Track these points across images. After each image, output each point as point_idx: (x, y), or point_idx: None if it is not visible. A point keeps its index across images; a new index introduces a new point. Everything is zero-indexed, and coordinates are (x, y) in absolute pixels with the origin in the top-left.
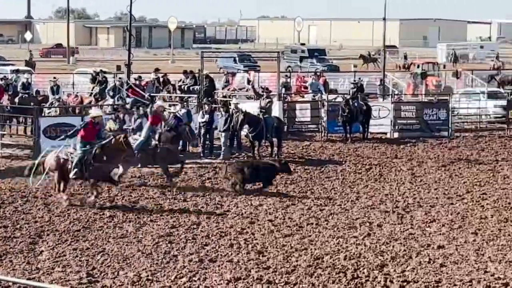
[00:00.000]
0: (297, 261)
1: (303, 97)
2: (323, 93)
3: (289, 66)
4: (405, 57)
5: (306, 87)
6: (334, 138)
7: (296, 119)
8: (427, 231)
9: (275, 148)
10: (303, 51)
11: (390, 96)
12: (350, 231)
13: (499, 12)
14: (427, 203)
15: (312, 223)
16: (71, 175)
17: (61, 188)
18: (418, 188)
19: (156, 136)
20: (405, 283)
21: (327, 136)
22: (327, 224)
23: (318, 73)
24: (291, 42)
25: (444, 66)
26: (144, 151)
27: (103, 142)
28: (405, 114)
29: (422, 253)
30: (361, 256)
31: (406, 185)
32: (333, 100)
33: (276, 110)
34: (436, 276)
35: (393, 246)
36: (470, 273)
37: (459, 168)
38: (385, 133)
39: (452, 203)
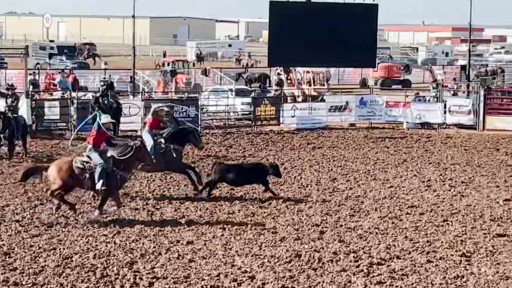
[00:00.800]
0: (45, 261)
1: (51, 94)
2: (72, 90)
3: (38, 63)
4: (164, 55)
5: (55, 85)
6: (84, 136)
7: (45, 117)
8: (177, 227)
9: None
10: (52, 48)
11: (141, 93)
12: (100, 229)
13: (246, 12)
14: (176, 199)
15: (61, 223)
16: (98, 187)
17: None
18: (167, 185)
19: (162, 140)
20: (154, 280)
21: (77, 134)
22: (76, 223)
23: (67, 71)
24: (40, 39)
25: (194, 64)
26: (157, 155)
27: (125, 151)
28: None
29: (172, 249)
30: (111, 254)
31: (156, 182)
32: (82, 98)
33: (24, 108)
34: (185, 272)
35: (142, 243)
36: (218, 267)
37: (208, 164)
38: (136, 131)
39: (201, 199)
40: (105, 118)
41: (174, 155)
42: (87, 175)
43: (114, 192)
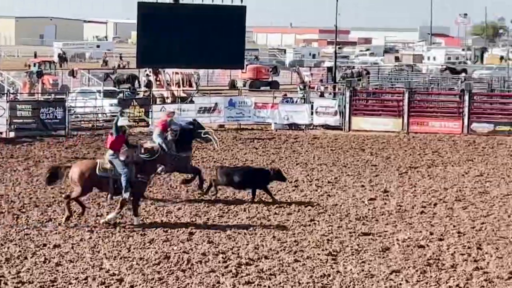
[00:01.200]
0: None
1: None
2: None
3: None
4: (35, 56)
5: None
6: None
7: None
8: (43, 230)
9: None
10: None
11: (6, 95)
12: None
13: (114, 12)
14: (43, 202)
15: None
16: (125, 196)
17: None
18: (34, 188)
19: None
20: (20, 284)
21: None
22: None
23: None
24: None
25: (61, 65)
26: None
27: (156, 155)
28: (21, 113)
29: (38, 253)
30: None
31: (22, 185)
32: None
33: None
34: (52, 276)
35: (8, 248)
36: (86, 270)
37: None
38: (1, 133)
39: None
40: (123, 121)
41: (181, 159)
42: (111, 182)
43: (140, 197)
